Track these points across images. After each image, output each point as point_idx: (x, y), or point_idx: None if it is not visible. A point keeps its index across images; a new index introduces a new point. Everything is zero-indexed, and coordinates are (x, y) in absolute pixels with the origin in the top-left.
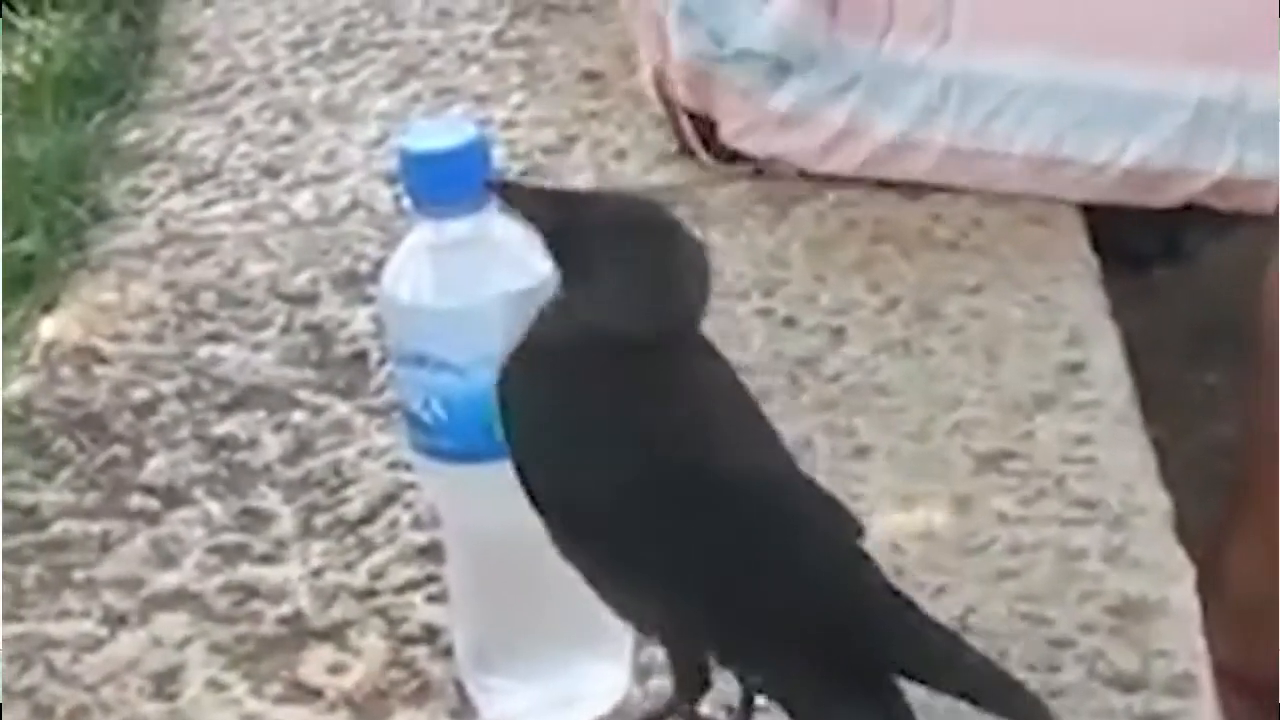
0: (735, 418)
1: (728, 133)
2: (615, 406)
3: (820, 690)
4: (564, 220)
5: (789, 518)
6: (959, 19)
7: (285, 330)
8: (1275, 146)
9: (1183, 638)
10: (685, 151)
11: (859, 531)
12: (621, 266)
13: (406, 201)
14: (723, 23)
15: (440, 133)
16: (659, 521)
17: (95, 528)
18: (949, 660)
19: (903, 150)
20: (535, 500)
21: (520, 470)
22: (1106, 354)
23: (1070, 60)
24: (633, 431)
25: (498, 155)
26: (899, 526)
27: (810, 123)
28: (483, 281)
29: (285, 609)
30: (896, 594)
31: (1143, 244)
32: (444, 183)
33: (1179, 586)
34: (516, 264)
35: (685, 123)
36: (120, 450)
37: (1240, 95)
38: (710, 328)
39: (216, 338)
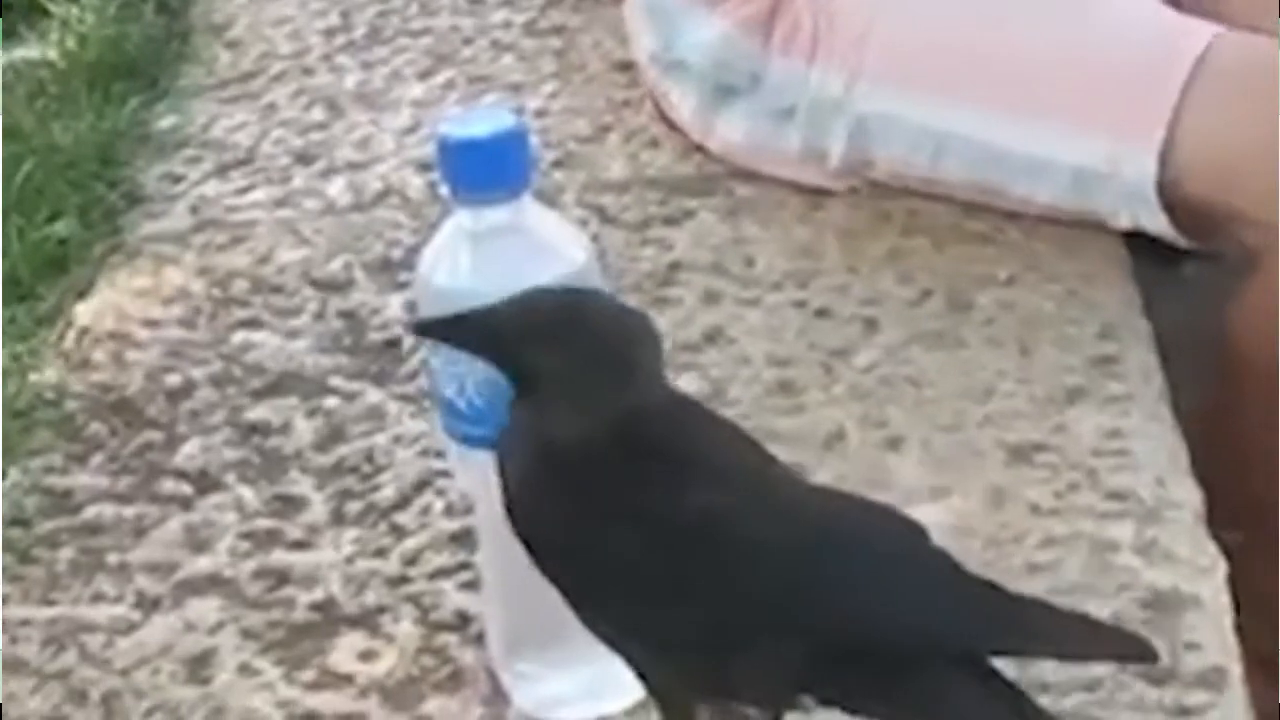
0: (742, 461)
1: (697, 138)
2: (613, 507)
3: (930, 695)
4: (497, 342)
5: (854, 540)
6: (870, 57)
7: (318, 317)
8: (1157, 213)
9: (1214, 631)
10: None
11: (923, 532)
12: (565, 372)
13: (444, 189)
14: (671, 29)
15: (479, 121)
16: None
17: (128, 512)
18: (1048, 628)
19: (859, 169)
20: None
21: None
22: (1138, 348)
23: (961, 112)
24: (638, 521)
25: (532, 146)
26: (931, 518)
27: (768, 150)
28: (519, 269)
29: (317, 595)
30: (982, 580)
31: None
32: (483, 170)
33: (1210, 580)
34: (553, 252)
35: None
36: (153, 435)
37: (1113, 165)
38: (746, 318)
39: (249, 324)
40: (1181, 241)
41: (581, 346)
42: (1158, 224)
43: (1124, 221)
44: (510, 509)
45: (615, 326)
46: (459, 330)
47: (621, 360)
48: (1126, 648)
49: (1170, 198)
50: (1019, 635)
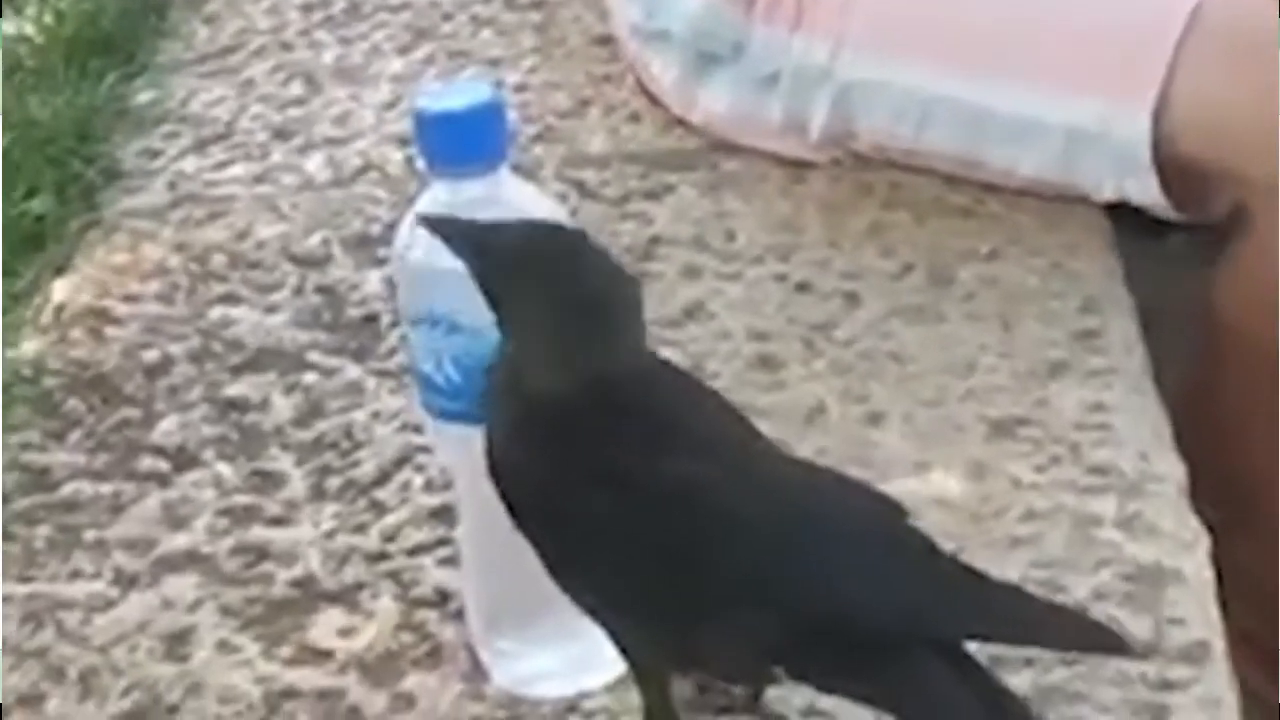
0: (724, 432)
1: (679, 110)
2: (593, 470)
3: (901, 678)
4: (488, 263)
5: (833, 518)
6: (855, 24)
7: (297, 292)
8: (1148, 176)
9: (1197, 605)
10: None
11: (902, 511)
12: (550, 316)
13: (421, 162)
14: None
15: (456, 94)
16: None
17: (106, 489)
18: (1020, 616)
19: (841, 140)
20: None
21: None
22: (1121, 321)
23: (949, 77)
24: (623, 480)
25: (511, 120)
26: (913, 492)
27: (750, 120)
28: None
29: (296, 571)
30: (958, 564)
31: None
32: (459, 143)
33: (1193, 554)
34: None
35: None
36: (131, 412)
37: (1105, 125)
38: (726, 293)
39: (228, 299)
40: (1167, 210)
41: (570, 285)
42: (1145, 190)
43: (1108, 192)
44: (492, 467)
45: (607, 277)
46: (458, 232)
47: (607, 310)
48: (1099, 639)
49: (1163, 157)
50: (992, 621)
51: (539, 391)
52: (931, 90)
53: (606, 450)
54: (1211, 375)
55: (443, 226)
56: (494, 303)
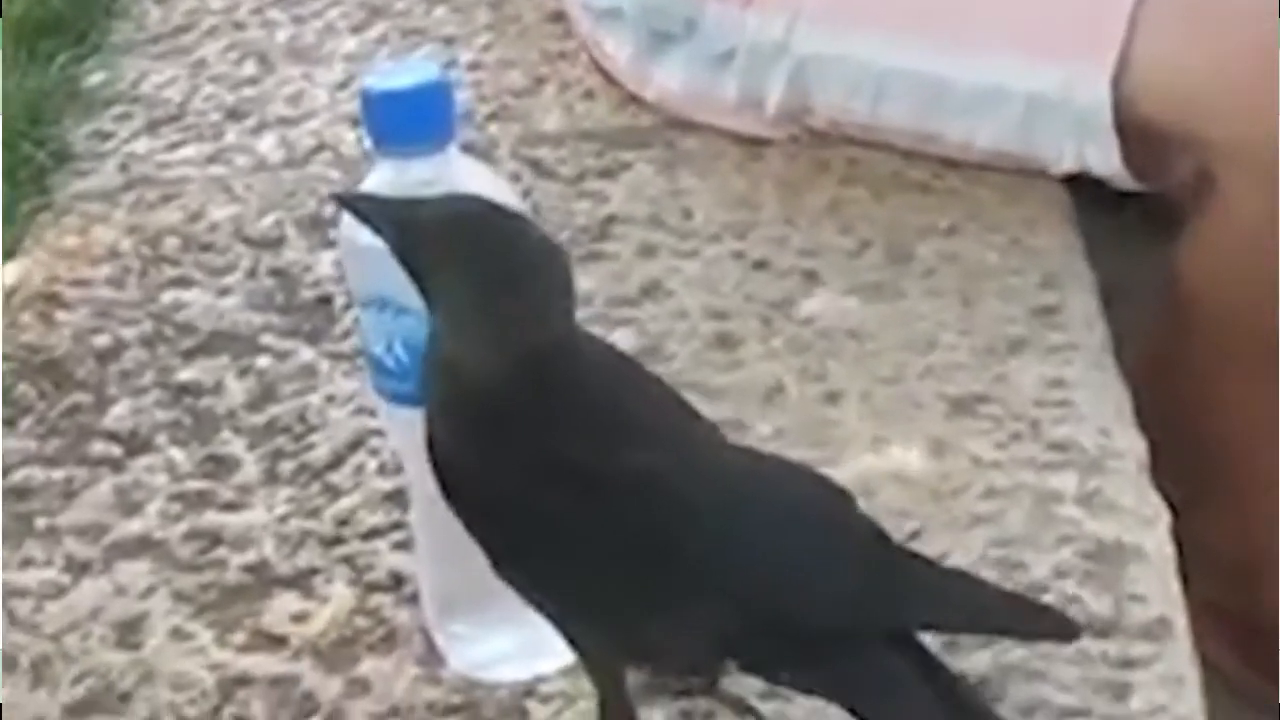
0: (669, 420)
1: (633, 88)
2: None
3: (851, 669)
4: (410, 239)
5: (783, 508)
6: None
7: (250, 275)
8: (1109, 142)
9: (1158, 582)
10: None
11: (849, 498)
12: (476, 292)
13: (368, 142)
14: None
15: (403, 73)
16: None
17: (57, 475)
18: (970, 604)
19: (798, 116)
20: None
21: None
22: (1081, 297)
23: (906, 48)
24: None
25: (465, 98)
26: (872, 471)
27: (705, 98)
28: None
29: (250, 556)
30: (907, 552)
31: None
32: (406, 123)
33: (1154, 531)
34: None
35: None
36: (82, 397)
37: (1065, 90)
38: (683, 271)
39: (180, 282)
40: (1127, 180)
41: (495, 260)
42: (1106, 158)
43: (1068, 162)
44: (431, 457)
45: (533, 251)
46: (375, 211)
47: (528, 284)
48: (1051, 625)
49: (1124, 122)
50: (943, 610)
51: (470, 373)
52: (888, 63)
53: (551, 440)
54: (1175, 348)
55: (359, 204)
56: (418, 281)
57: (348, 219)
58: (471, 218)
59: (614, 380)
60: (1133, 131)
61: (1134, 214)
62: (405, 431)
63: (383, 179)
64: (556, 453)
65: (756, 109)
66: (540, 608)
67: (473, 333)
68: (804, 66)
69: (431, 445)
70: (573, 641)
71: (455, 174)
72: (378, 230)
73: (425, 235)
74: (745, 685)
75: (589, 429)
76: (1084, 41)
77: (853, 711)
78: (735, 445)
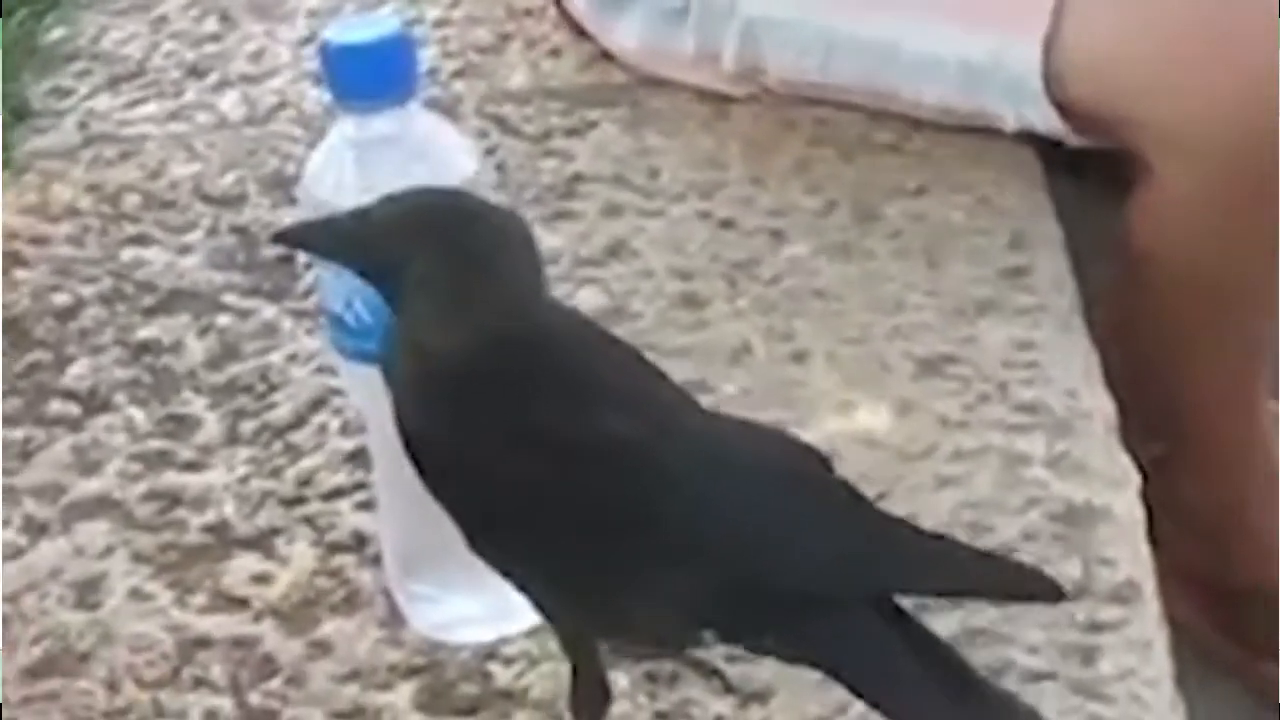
0: (640, 386)
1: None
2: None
3: (833, 634)
4: (365, 246)
5: (758, 473)
6: None
7: (211, 232)
8: (1045, 108)
9: (1126, 545)
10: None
11: (825, 461)
12: (432, 277)
13: (328, 97)
14: None
15: (364, 26)
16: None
17: (15, 434)
18: (951, 566)
19: (753, 75)
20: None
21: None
22: (1049, 258)
23: (850, 12)
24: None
25: (430, 55)
26: (839, 431)
27: (663, 52)
28: (406, 179)
29: (210, 517)
30: (885, 515)
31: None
32: (366, 77)
33: (1123, 493)
34: (440, 161)
35: None
36: (41, 355)
37: (997, 60)
38: (649, 230)
39: (140, 240)
40: (1072, 139)
41: (449, 246)
42: (1046, 121)
43: (1011, 122)
44: (400, 429)
45: (486, 227)
46: (323, 237)
47: (494, 263)
48: (1032, 586)
49: (1058, 96)
50: (922, 574)
51: (438, 354)
52: (833, 25)
53: (523, 410)
54: (1133, 306)
55: (305, 237)
56: (380, 284)
57: (311, 172)
58: (428, 207)
59: (582, 347)
60: (1067, 105)
61: (1101, 174)
62: (365, 389)
63: (344, 134)
64: (528, 422)
65: (714, 64)
66: (515, 582)
67: (441, 317)
68: (753, 27)
69: (401, 423)
70: (546, 614)
71: (417, 129)
72: (330, 255)
73: (382, 236)
74: (713, 650)
75: (560, 397)
76: (1015, 14)
77: (835, 676)
78: (705, 410)
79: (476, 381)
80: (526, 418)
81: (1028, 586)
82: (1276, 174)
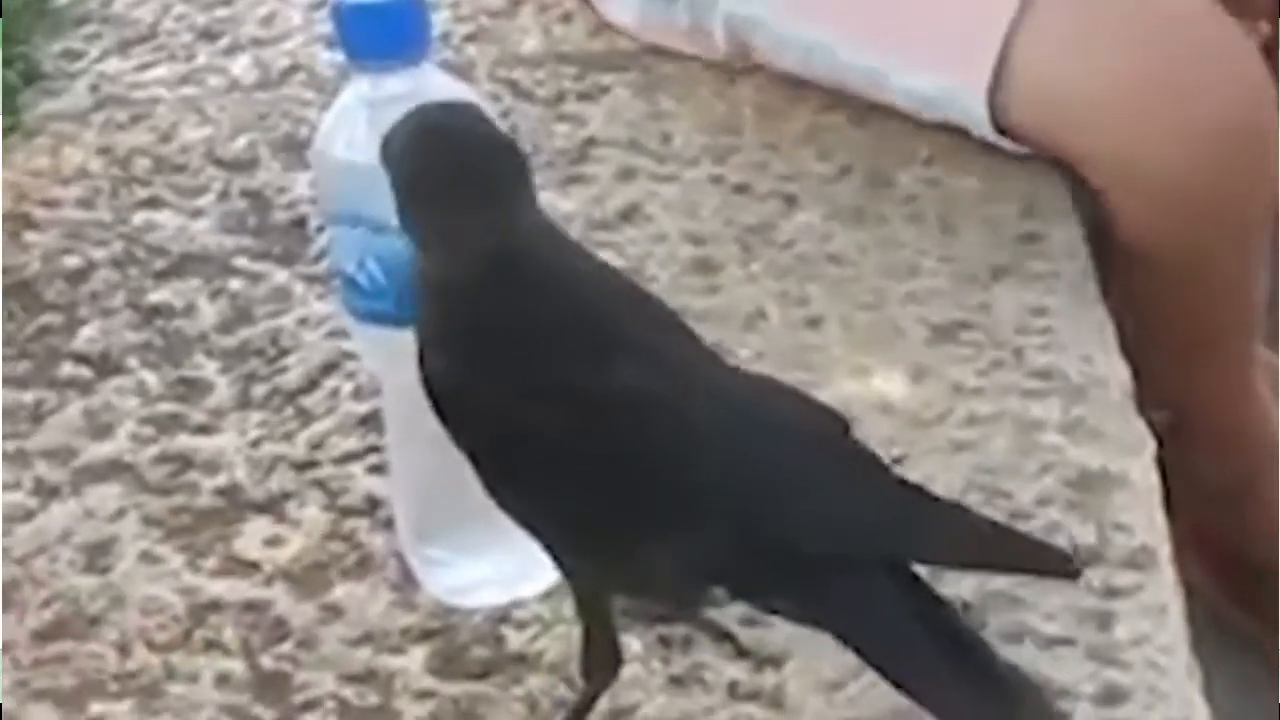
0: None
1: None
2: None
3: (845, 597)
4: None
5: (783, 431)
6: None
7: (222, 196)
8: (997, 136)
9: (1142, 511)
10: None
11: (846, 424)
12: (438, 193)
13: (341, 59)
14: None
15: None
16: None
17: (27, 397)
18: (968, 537)
19: (744, 55)
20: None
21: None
22: (1063, 225)
23: (815, 25)
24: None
25: (443, 20)
26: (853, 397)
27: (659, 26)
28: None
29: (221, 480)
30: (904, 481)
31: None
32: (380, 36)
33: (1138, 459)
34: None
35: None
36: (52, 318)
37: (945, 94)
38: (662, 195)
39: (151, 204)
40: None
41: (438, 162)
42: (1002, 142)
43: (976, 132)
44: (425, 382)
45: (481, 144)
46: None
47: (486, 179)
48: (1046, 560)
49: (1009, 134)
50: (940, 542)
51: (442, 279)
52: (803, 33)
53: (545, 359)
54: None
55: None
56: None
57: (323, 131)
58: (413, 131)
59: (603, 292)
60: (1017, 139)
61: None
62: (378, 351)
63: (358, 93)
64: (551, 372)
65: (709, 40)
66: (536, 533)
67: (438, 238)
68: (733, 20)
69: (424, 372)
70: (565, 569)
71: (431, 89)
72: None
73: (389, 162)
74: (725, 612)
75: (582, 345)
76: (960, 54)
77: (843, 639)
78: (733, 367)
79: (490, 317)
80: (547, 367)
81: (1045, 561)
82: (1234, 209)
